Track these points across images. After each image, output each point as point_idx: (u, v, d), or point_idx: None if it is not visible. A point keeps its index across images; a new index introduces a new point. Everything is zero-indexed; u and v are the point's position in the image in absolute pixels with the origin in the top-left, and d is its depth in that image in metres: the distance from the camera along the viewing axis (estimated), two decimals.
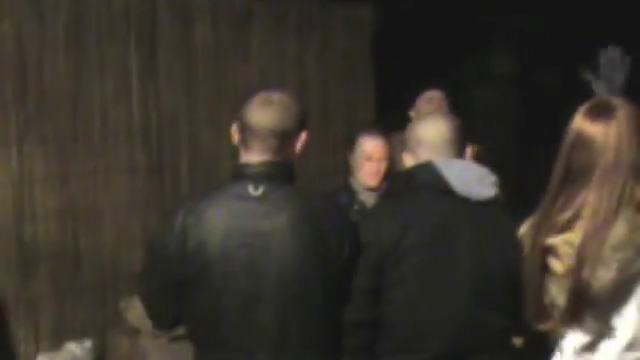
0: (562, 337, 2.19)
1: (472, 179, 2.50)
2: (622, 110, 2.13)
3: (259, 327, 2.37)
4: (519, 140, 7.86)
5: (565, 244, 2.10)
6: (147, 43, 5.03)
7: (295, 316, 2.38)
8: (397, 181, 2.60)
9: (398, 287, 2.45)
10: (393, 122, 4.35)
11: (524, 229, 2.27)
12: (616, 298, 2.09)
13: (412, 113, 5.02)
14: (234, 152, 5.14)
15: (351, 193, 3.76)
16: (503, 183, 4.98)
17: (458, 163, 2.54)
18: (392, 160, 3.73)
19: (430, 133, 2.58)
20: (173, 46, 5.14)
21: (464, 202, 2.48)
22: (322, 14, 5.73)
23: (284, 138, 2.43)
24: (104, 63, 4.89)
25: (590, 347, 2.14)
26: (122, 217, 4.95)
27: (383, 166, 3.75)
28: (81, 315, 4.84)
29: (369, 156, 3.76)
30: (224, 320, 2.38)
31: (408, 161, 2.62)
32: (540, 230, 2.16)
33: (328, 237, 2.40)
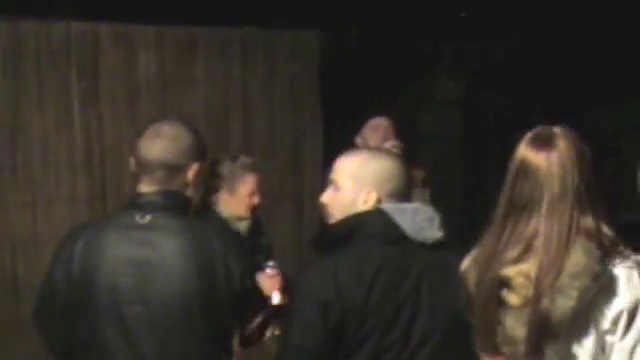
0: None
1: (423, 222, 2.46)
2: (564, 139, 2.17)
3: (140, 358, 2.38)
4: (465, 163, 7.92)
5: (520, 275, 2.11)
6: (89, 71, 4.98)
7: (178, 348, 2.39)
8: (342, 228, 2.46)
9: (360, 347, 2.35)
10: (340, 148, 4.34)
11: (467, 263, 2.26)
12: (576, 327, 2.10)
13: (358, 140, 5.04)
14: None
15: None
16: (450, 205, 4.98)
17: (408, 207, 2.48)
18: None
19: (379, 173, 2.49)
20: (116, 74, 5.09)
21: (419, 247, 2.44)
22: (267, 41, 5.74)
23: (171, 169, 2.48)
24: (44, 92, 4.83)
25: None
26: None
27: (254, 197, 3.78)
28: (21, 346, 4.72)
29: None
30: (107, 350, 2.39)
31: (352, 196, 2.53)
32: (490, 262, 2.16)
33: (215, 266, 2.41)
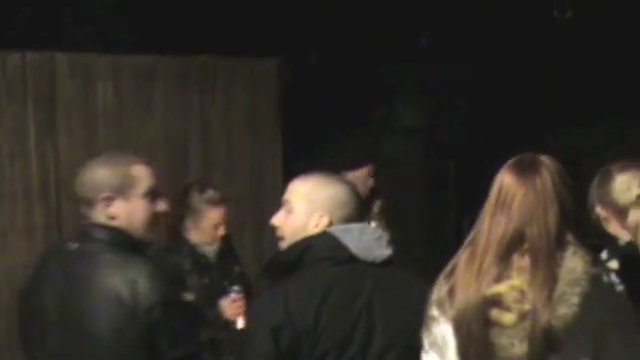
0: None
1: (371, 242, 2.50)
2: (546, 166, 2.24)
3: None
4: (427, 189, 7.96)
5: (512, 291, 2.14)
6: (46, 100, 4.96)
7: None
8: (290, 255, 2.50)
9: None
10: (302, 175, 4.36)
11: (444, 289, 2.26)
12: (578, 336, 2.12)
13: None
14: None
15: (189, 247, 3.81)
16: (412, 230, 5.00)
17: (355, 228, 2.51)
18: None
19: (332, 198, 2.54)
20: (73, 103, 5.08)
21: (368, 267, 2.47)
22: (226, 69, 5.77)
23: (86, 203, 2.68)
24: (0, 122, 4.77)
25: None
26: (18, 279, 4.79)
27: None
28: None
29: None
30: None
31: (304, 219, 2.54)
32: (476, 285, 2.18)
33: (139, 299, 2.50)
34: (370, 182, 4.87)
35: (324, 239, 2.47)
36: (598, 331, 2.16)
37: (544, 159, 2.26)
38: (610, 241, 2.90)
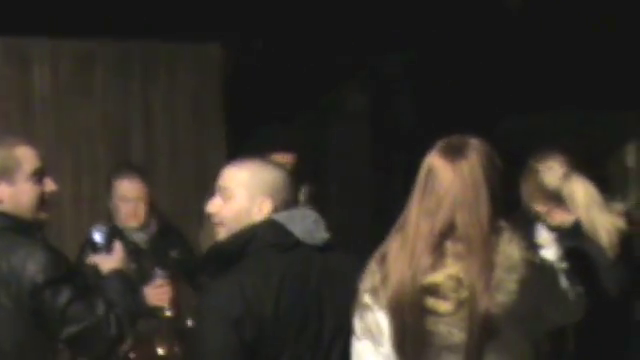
0: None
1: (312, 225, 2.52)
2: (476, 149, 2.22)
3: None
4: (376, 175, 7.96)
5: (449, 279, 2.12)
6: None
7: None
8: (235, 244, 2.46)
9: (277, 357, 2.37)
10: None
11: (376, 277, 2.25)
12: (515, 322, 2.13)
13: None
14: (76, 196, 4.94)
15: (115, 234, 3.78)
16: (361, 215, 4.96)
17: (296, 213, 2.52)
18: (151, 198, 3.85)
19: (271, 182, 2.53)
20: (9, 89, 4.96)
21: (313, 252, 2.49)
22: (168, 54, 5.72)
23: None
24: None
25: None
26: None
27: (141, 206, 3.82)
28: None
29: (123, 197, 3.82)
30: None
31: (246, 205, 2.51)
32: (410, 273, 2.16)
33: (24, 282, 2.53)
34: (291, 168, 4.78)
35: (270, 226, 2.46)
36: (535, 314, 2.18)
37: (473, 142, 2.24)
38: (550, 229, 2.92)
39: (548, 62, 7.10)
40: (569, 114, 7.30)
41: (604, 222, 2.96)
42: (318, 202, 4.88)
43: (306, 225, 2.49)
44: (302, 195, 4.72)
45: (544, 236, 2.79)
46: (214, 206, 2.56)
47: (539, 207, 3.07)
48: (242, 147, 4.82)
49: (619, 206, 3.07)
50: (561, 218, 3.03)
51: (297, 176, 4.87)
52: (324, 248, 2.50)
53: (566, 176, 3.02)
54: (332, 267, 2.49)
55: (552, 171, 3.05)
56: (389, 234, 2.28)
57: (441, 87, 7.61)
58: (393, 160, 7.86)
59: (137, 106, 5.56)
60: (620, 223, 2.99)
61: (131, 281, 2.92)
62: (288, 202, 2.52)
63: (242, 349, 2.31)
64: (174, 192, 5.55)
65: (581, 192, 3.00)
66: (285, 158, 4.60)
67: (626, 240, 2.99)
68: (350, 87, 7.99)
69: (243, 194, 2.50)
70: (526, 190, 3.11)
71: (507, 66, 7.27)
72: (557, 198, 3.03)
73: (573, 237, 2.93)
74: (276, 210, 2.49)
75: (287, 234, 2.44)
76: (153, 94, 5.63)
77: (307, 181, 4.77)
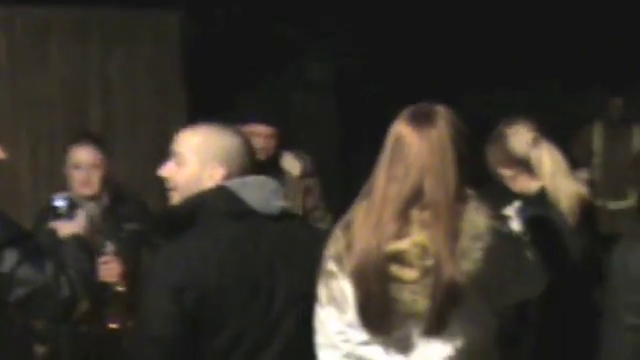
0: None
1: (268, 194, 2.47)
2: (443, 116, 2.21)
3: None
4: (339, 146, 7.95)
5: (415, 247, 2.12)
6: None
7: None
8: (184, 209, 2.42)
9: (221, 327, 2.33)
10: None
11: (341, 243, 2.24)
12: (480, 290, 2.13)
13: None
14: (33, 168, 4.88)
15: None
16: (326, 186, 4.93)
17: (251, 180, 2.47)
18: (107, 168, 3.78)
19: (225, 149, 2.47)
20: None
21: (266, 221, 2.44)
22: (127, 22, 5.63)
23: None
24: None
25: (453, 351, 2.16)
26: None
27: (95, 174, 3.73)
28: None
29: (77, 164, 3.74)
30: None
31: (198, 171, 2.46)
32: (373, 239, 2.15)
33: None
34: (272, 141, 4.72)
35: (220, 193, 2.40)
36: (499, 283, 2.19)
37: (440, 109, 2.23)
38: (515, 198, 2.93)
39: (514, 38, 7.13)
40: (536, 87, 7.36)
41: (567, 189, 2.97)
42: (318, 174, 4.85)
43: (261, 193, 2.43)
44: (293, 167, 4.65)
45: (510, 207, 2.79)
46: (167, 171, 2.51)
47: (505, 172, 3.07)
48: (215, 118, 4.76)
49: (584, 174, 3.09)
50: (526, 184, 3.04)
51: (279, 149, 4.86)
52: (281, 217, 2.45)
53: (534, 142, 3.02)
54: (289, 236, 2.46)
55: (519, 136, 3.04)
56: (354, 202, 2.25)
57: (408, 58, 7.61)
58: (356, 130, 7.85)
59: (95, 74, 5.47)
60: (583, 190, 3.00)
61: (90, 248, 2.86)
62: (244, 169, 2.47)
63: (183, 319, 2.27)
64: (133, 161, 5.49)
65: (548, 158, 3.00)
66: (265, 130, 4.56)
67: (588, 208, 3.01)
68: (312, 57, 7.97)
69: (194, 160, 2.45)
70: (493, 155, 3.10)
71: (475, 39, 7.29)
72: (523, 163, 3.03)
73: (537, 204, 2.93)
74: (230, 177, 2.43)
75: (238, 202, 2.39)
76: (111, 62, 5.53)
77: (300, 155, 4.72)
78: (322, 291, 2.28)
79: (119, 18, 5.60)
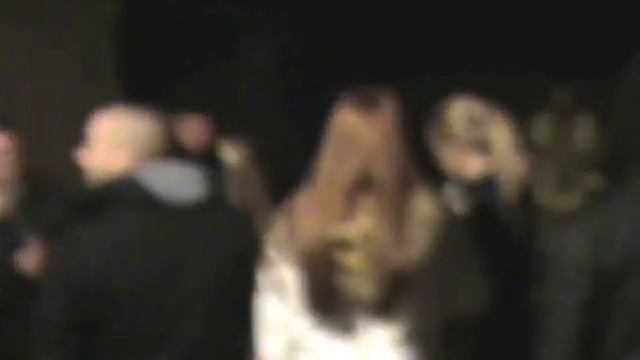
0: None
1: (184, 182, 2.36)
2: (387, 101, 2.19)
3: None
4: (279, 134, 7.90)
5: (360, 232, 2.10)
6: None
7: None
8: (89, 196, 2.37)
9: (116, 317, 2.25)
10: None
11: (283, 229, 2.20)
12: (426, 277, 2.11)
13: None
14: None
15: None
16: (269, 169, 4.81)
17: (163, 166, 2.37)
18: (22, 154, 3.68)
19: (134, 134, 2.38)
20: None
21: (178, 209, 2.34)
22: (57, 4, 5.45)
23: None
24: None
25: (399, 338, 2.13)
26: None
27: (5, 160, 3.62)
28: None
29: None
30: None
31: (104, 157, 2.38)
32: (321, 226, 2.12)
33: None
34: (206, 130, 4.59)
35: (123, 180, 2.32)
36: (446, 271, 2.17)
37: (384, 93, 2.22)
38: (458, 182, 2.85)
39: (457, 22, 7.13)
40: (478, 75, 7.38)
41: (512, 166, 2.88)
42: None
43: (175, 181, 2.34)
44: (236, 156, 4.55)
45: (452, 193, 2.74)
46: (79, 156, 2.47)
47: (445, 152, 2.95)
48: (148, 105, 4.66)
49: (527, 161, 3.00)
50: (464, 166, 2.92)
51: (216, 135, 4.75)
52: (202, 206, 2.36)
53: (479, 118, 2.90)
54: (208, 225, 2.36)
55: (457, 116, 2.92)
56: (294, 189, 2.24)
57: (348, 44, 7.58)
58: (295, 114, 7.81)
59: (22, 57, 5.32)
60: (525, 169, 2.91)
61: (10, 233, 2.76)
62: (156, 155, 2.37)
63: (72, 304, 2.22)
64: (65, 147, 5.34)
65: (499, 135, 2.89)
66: (199, 119, 4.44)
67: (528, 187, 2.93)
68: (252, 41, 7.90)
69: (101, 144, 2.39)
70: (432, 135, 2.99)
71: (418, 19, 7.27)
72: (460, 141, 2.91)
73: (482, 189, 2.84)
74: (138, 163, 2.35)
75: (141, 189, 2.30)
76: (40, 47, 5.37)
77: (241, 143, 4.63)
78: (262, 278, 2.24)
79: (49, 1, 5.42)
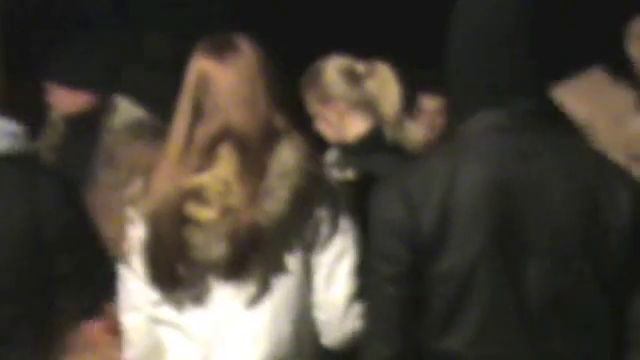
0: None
1: None
2: (246, 43, 2.09)
3: None
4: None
5: (216, 182, 1.96)
6: None
7: None
8: None
9: None
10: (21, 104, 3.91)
11: (138, 184, 2.07)
12: (286, 234, 1.98)
13: None
14: None
15: None
16: None
17: None
18: None
19: None
20: None
21: None
22: None
23: None
24: None
25: (254, 300, 1.97)
26: None
27: None
28: None
29: None
30: None
31: None
32: (175, 178, 1.99)
33: None
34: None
35: None
36: (312, 228, 2.01)
37: (240, 36, 2.10)
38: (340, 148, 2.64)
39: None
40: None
41: (415, 133, 2.68)
42: None
43: None
44: None
45: (333, 159, 2.56)
46: None
47: (324, 113, 2.74)
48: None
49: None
50: (347, 127, 2.71)
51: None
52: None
53: (364, 75, 2.67)
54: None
55: (334, 76, 2.71)
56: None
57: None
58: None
59: None
60: (424, 132, 2.73)
61: None
62: None
63: None
64: None
65: (380, 91, 2.68)
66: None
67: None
68: (151, 32, 7.69)
69: None
70: (310, 101, 2.77)
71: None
72: (339, 101, 2.70)
73: (364, 152, 2.61)
74: None
75: None
76: None
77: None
78: (124, 243, 2.10)
79: None
